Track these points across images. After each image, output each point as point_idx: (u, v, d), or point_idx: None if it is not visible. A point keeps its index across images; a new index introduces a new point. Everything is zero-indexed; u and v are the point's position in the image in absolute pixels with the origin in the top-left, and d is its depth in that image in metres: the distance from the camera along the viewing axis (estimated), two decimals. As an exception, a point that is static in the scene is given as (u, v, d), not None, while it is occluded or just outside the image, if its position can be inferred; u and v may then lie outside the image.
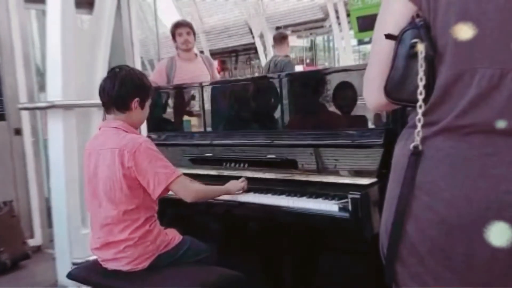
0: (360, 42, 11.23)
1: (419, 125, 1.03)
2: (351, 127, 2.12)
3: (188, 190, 2.00)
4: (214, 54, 12.44)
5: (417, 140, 1.03)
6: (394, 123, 1.96)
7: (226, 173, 2.35)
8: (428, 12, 1.02)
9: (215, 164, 2.46)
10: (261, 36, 12.98)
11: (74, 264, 2.72)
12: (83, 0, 3.14)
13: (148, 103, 2.11)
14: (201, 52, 4.69)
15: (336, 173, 2.05)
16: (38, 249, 3.85)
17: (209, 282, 1.95)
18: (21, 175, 3.89)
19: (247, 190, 2.16)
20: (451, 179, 0.98)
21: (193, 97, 2.83)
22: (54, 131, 2.90)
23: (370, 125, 2.08)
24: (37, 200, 3.92)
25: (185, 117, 2.89)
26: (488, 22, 0.96)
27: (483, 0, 0.96)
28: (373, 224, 1.79)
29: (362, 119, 2.10)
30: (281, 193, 2.09)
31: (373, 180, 1.88)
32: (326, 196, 1.95)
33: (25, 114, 3.86)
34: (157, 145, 2.05)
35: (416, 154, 1.03)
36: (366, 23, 6.11)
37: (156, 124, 2.90)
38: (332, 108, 2.22)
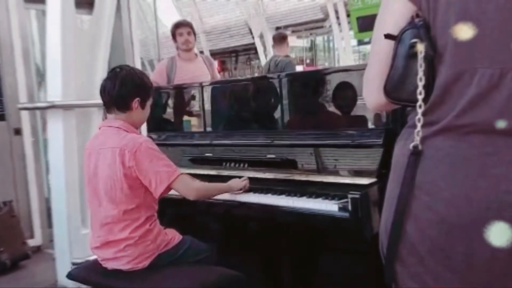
0: (360, 43, 11.24)
1: (418, 125, 1.03)
2: (351, 127, 2.12)
3: (190, 188, 2.00)
4: (214, 54, 12.44)
5: (417, 140, 1.03)
6: (394, 123, 1.96)
7: (226, 173, 2.35)
8: (428, 12, 1.02)
9: (215, 164, 2.46)
10: (261, 36, 12.98)
11: (74, 264, 2.72)
12: (83, 0, 3.14)
13: (149, 103, 2.11)
14: (201, 52, 4.69)
15: (336, 173, 2.05)
16: (38, 249, 3.85)
17: (209, 282, 1.95)
18: (21, 175, 3.89)
19: (247, 190, 2.16)
20: (451, 179, 0.98)
21: (193, 97, 2.83)
22: (54, 131, 2.90)
23: (370, 125, 2.08)
24: (37, 200, 3.92)
25: (185, 117, 2.90)
26: (488, 22, 0.96)
27: (483, 0, 0.96)
28: (373, 224, 1.80)
29: (362, 119, 2.10)
30: (281, 193, 2.09)
31: (373, 180, 1.88)
32: (326, 196, 1.95)
33: (25, 114, 3.86)
34: (157, 145, 2.05)
35: (416, 154, 1.03)
36: (366, 23, 6.11)
37: (156, 124, 2.91)
38: (332, 108, 2.22)
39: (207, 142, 2.60)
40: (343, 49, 11.82)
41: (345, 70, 2.31)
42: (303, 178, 2.11)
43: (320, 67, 12.89)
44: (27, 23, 4.06)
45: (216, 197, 2.14)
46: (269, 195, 2.11)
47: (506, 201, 0.94)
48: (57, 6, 2.78)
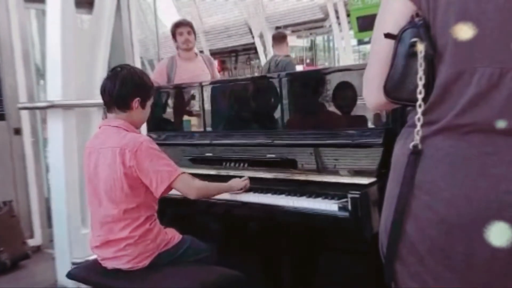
0: (360, 42, 11.23)
1: (418, 124, 1.03)
2: (351, 126, 2.12)
3: (191, 187, 2.00)
4: (213, 54, 12.42)
5: (417, 139, 1.03)
6: (394, 122, 1.96)
7: (226, 172, 2.35)
8: (428, 12, 1.02)
9: (215, 164, 2.46)
10: (261, 36, 12.98)
11: (73, 264, 2.72)
12: (82, 0, 3.14)
13: (149, 103, 2.11)
14: (201, 52, 4.68)
15: (335, 172, 2.05)
16: (38, 249, 3.85)
17: (209, 281, 1.95)
18: (20, 175, 3.89)
19: (247, 190, 2.16)
20: (450, 179, 0.98)
21: (193, 97, 2.83)
22: (54, 131, 2.90)
23: (370, 125, 2.08)
24: (36, 200, 3.92)
25: (185, 117, 2.89)
26: (488, 22, 0.96)
27: (482, 0, 0.96)
28: (373, 223, 1.80)
29: (362, 119, 2.10)
30: (281, 192, 2.09)
31: (373, 179, 1.88)
32: (326, 196, 1.95)
33: (24, 114, 3.85)
34: (157, 145, 2.05)
35: (416, 153, 1.03)
36: (366, 23, 6.11)
37: (156, 124, 2.91)
38: (332, 108, 2.22)
39: (207, 141, 2.60)
40: (343, 49, 11.81)
41: (345, 69, 2.31)
42: (303, 177, 2.11)
43: (320, 67, 12.89)
44: (27, 23, 4.05)
45: (216, 197, 2.14)
46: (269, 194, 2.10)
47: (506, 201, 0.94)
48: (57, 5, 2.78)
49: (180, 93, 2.99)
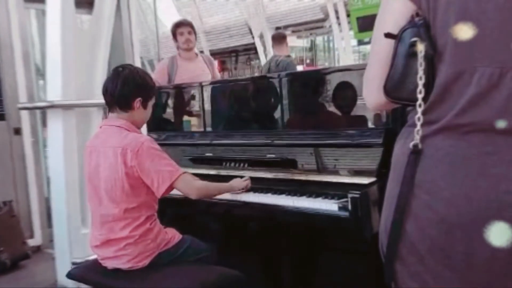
0: (360, 43, 11.22)
1: (418, 123, 1.03)
2: (351, 126, 2.12)
3: (192, 187, 2.00)
4: (214, 54, 12.41)
5: (417, 138, 1.03)
6: (394, 122, 1.96)
7: (226, 172, 2.35)
8: (428, 11, 1.02)
9: (215, 164, 2.46)
10: (261, 36, 12.96)
11: (73, 264, 2.71)
12: (82, 0, 3.14)
13: (151, 103, 2.11)
14: (201, 52, 4.68)
15: (335, 172, 2.05)
16: (37, 249, 3.84)
17: (209, 281, 1.95)
18: (20, 175, 3.89)
19: (247, 190, 2.16)
20: (450, 178, 0.98)
21: (193, 97, 2.83)
22: (54, 131, 2.90)
23: (370, 125, 2.08)
24: (36, 200, 3.92)
25: (185, 117, 2.90)
26: (488, 22, 0.96)
27: (482, 0, 0.96)
28: (373, 223, 1.80)
29: (362, 119, 2.11)
30: (281, 192, 2.09)
31: (373, 179, 1.88)
32: (326, 196, 1.95)
33: (24, 114, 3.85)
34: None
35: (416, 153, 1.03)
36: (366, 23, 6.11)
37: (156, 124, 2.90)
38: (332, 108, 2.22)
39: (207, 141, 2.60)
40: (343, 49, 11.80)
41: (345, 69, 2.31)
42: (303, 177, 2.11)
43: (320, 67, 12.88)
44: (26, 23, 4.05)
45: (216, 197, 2.14)
46: (269, 194, 2.11)
47: (506, 200, 0.94)
48: (57, 5, 2.78)
49: (180, 93, 2.99)
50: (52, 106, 2.83)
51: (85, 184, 2.16)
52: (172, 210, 2.47)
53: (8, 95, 3.80)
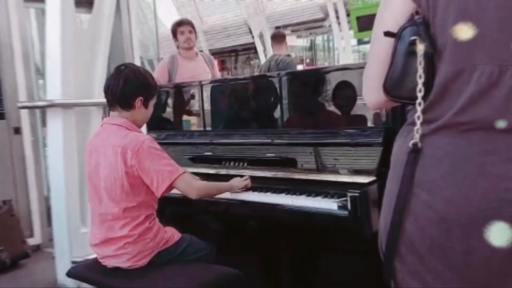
0: (360, 42, 11.22)
1: (418, 122, 1.03)
2: (351, 125, 2.12)
3: (192, 187, 2.00)
4: (213, 53, 12.37)
5: (416, 137, 1.03)
6: (394, 121, 1.96)
7: (225, 172, 2.35)
8: (428, 10, 1.02)
9: (214, 163, 2.46)
10: (261, 36, 12.95)
11: (73, 262, 2.71)
12: (82, -1, 3.14)
13: (152, 102, 2.11)
14: (201, 51, 4.69)
15: (335, 171, 2.05)
16: (37, 248, 3.84)
17: (208, 280, 1.95)
18: (20, 174, 3.89)
19: (247, 189, 2.16)
20: (450, 178, 0.98)
21: (192, 96, 2.83)
22: (54, 130, 2.90)
23: (370, 124, 2.08)
24: (36, 199, 3.92)
25: (185, 116, 2.89)
26: (488, 20, 0.96)
27: (482, -2, 0.96)
28: (372, 222, 1.80)
29: (362, 118, 2.10)
30: (280, 191, 2.09)
31: (372, 178, 1.88)
32: (326, 195, 1.95)
33: (24, 113, 3.85)
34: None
35: (415, 152, 1.03)
36: (366, 23, 6.11)
37: (156, 123, 2.90)
38: (331, 107, 2.22)
39: (207, 141, 2.60)
40: (343, 48, 11.78)
41: (345, 69, 2.31)
42: (302, 176, 2.11)
43: (320, 66, 12.88)
44: (26, 22, 4.05)
45: (215, 196, 2.14)
46: (269, 193, 2.11)
47: (506, 200, 0.94)
48: (57, 5, 2.78)
49: (180, 92, 2.99)
50: (52, 105, 2.83)
51: (84, 183, 2.16)
52: (172, 209, 2.47)
53: (8, 94, 3.80)
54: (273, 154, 2.24)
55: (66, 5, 2.80)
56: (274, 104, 2.41)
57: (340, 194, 1.88)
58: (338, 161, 2.07)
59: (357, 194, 1.79)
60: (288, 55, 5.22)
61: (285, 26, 12.59)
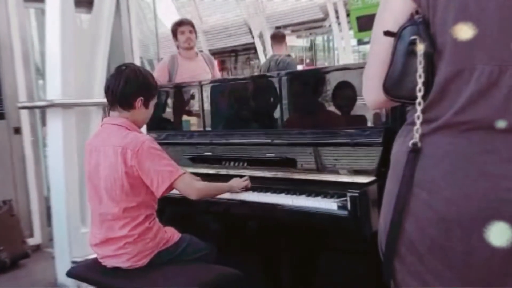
0: (360, 42, 11.22)
1: (418, 122, 1.03)
2: (350, 126, 2.12)
3: (192, 187, 2.00)
4: (213, 53, 12.35)
5: (416, 137, 1.03)
6: (393, 121, 1.96)
7: (225, 172, 2.35)
8: (428, 9, 1.02)
9: (214, 163, 2.46)
10: (261, 36, 12.95)
11: (73, 262, 2.71)
12: (82, -1, 3.14)
13: (152, 103, 2.11)
14: (200, 51, 4.69)
15: (335, 171, 2.05)
16: (37, 248, 3.85)
17: (208, 280, 1.95)
18: (20, 174, 3.89)
19: (247, 189, 2.16)
20: (451, 178, 0.98)
21: (192, 96, 2.83)
22: (54, 130, 2.90)
23: (369, 124, 2.08)
24: (36, 199, 3.92)
25: (185, 116, 2.89)
26: (488, 20, 0.96)
27: (482, -2, 0.96)
28: (372, 222, 1.80)
29: (362, 118, 2.10)
30: (280, 191, 2.09)
31: (372, 178, 1.88)
32: (325, 195, 1.95)
33: (24, 113, 3.85)
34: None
35: (415, 152, 1.03)
36: (366, 23, 6.12)
37: (156, 123, 2.90)
38: (331, 107, 2.22)
39: (207, 141, 2.60)
40: (343, 48, 11.78)
41: (345, 69, 2.31)
42: (302, 176, 2.11)
43: (320, 66, 12.87)
44: (26, 22, 4.05)
45: (215, 196, 2.14)
46: (269, 193, 2.10)
47: (506, 200, 0.94)
48: (57, 5, 2.78)
49: (180, 92, 2.99)
50: (52, 105, 2.83)
51: (84, 183, 2.16)
52: (172, 209, 2.47)
53: (8, 94, 3.80)
54: (273, 154, 2.24)
55: (66, 5, 2.80)
56: (274, 104, 2.41)
57: (340, 194, 1.88)
58: (338, 161, 2.07)
59: (356, 194, 1.79)
60: (288, 55, 5.22)
61: (285, 26, 12.58)
